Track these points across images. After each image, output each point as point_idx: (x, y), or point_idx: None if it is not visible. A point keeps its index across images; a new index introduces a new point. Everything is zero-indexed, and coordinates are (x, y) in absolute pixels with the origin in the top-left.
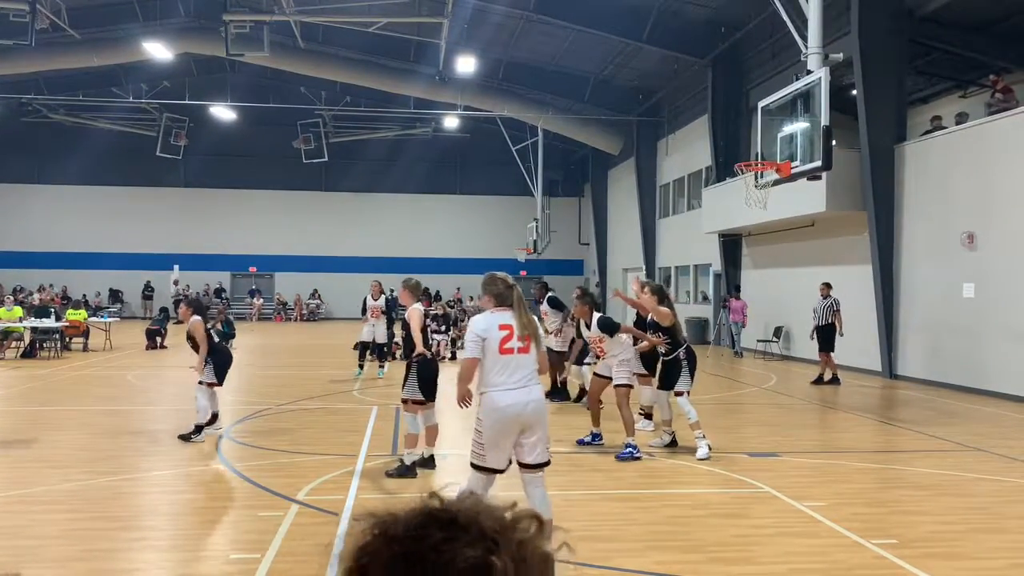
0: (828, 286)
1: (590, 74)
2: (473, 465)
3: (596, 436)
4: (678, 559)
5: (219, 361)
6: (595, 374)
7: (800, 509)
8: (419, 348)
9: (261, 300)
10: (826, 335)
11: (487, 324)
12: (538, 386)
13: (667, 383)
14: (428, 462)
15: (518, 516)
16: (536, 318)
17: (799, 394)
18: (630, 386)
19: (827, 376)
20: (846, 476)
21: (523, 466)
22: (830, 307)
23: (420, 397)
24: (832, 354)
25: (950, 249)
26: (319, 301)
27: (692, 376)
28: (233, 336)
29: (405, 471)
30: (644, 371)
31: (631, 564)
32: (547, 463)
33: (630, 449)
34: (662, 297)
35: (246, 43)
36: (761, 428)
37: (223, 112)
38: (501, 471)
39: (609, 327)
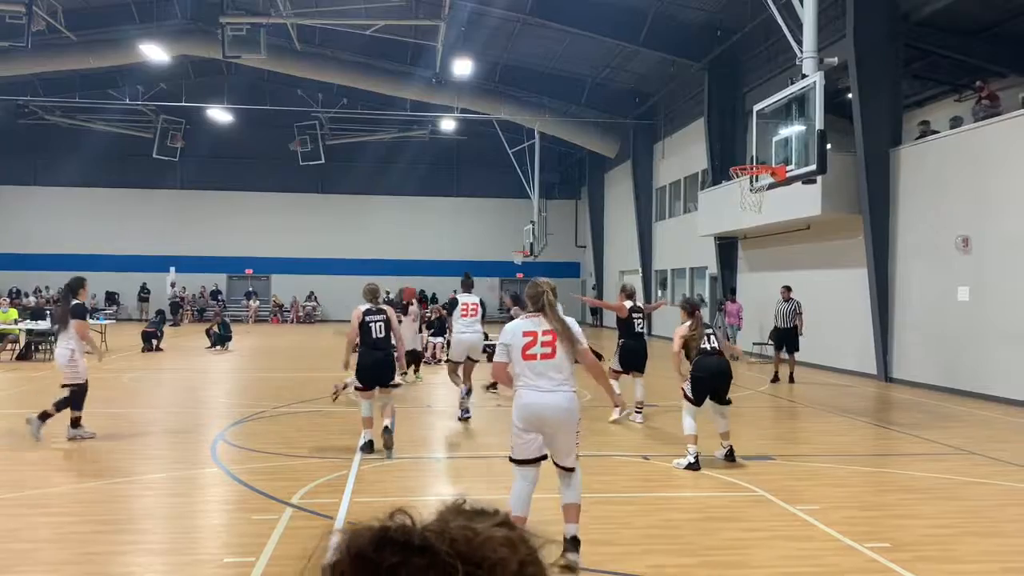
0: (788, 289)
1: (587, 77)
2: (509, 459)
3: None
4: (672, 562)
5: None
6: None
7: (794, 513)
8: (349, 346)
9: (257, 302)
10: (791, 337)
11: (510, 330)
12: (567, 393)
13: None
14: (368, 446)
15: (493, 537)
16: (568, 321)
17: (794, 397)
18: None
19: (784, 376)
20: (840, 480)
21: (556, 465)
22: (793, 310)
23: (359, 384)
24: (796, 354)
25: (945, 253)
26: (316, 303)
27: (698, 394)
28: (230, 339)
29: (363, 447)
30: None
31: (625, 567)
32: (570, 469)
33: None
34: (692, 311)
35: (243, 45)
36: (756, 431)
37: (219, 114)
38: (529, 462)
39: None
